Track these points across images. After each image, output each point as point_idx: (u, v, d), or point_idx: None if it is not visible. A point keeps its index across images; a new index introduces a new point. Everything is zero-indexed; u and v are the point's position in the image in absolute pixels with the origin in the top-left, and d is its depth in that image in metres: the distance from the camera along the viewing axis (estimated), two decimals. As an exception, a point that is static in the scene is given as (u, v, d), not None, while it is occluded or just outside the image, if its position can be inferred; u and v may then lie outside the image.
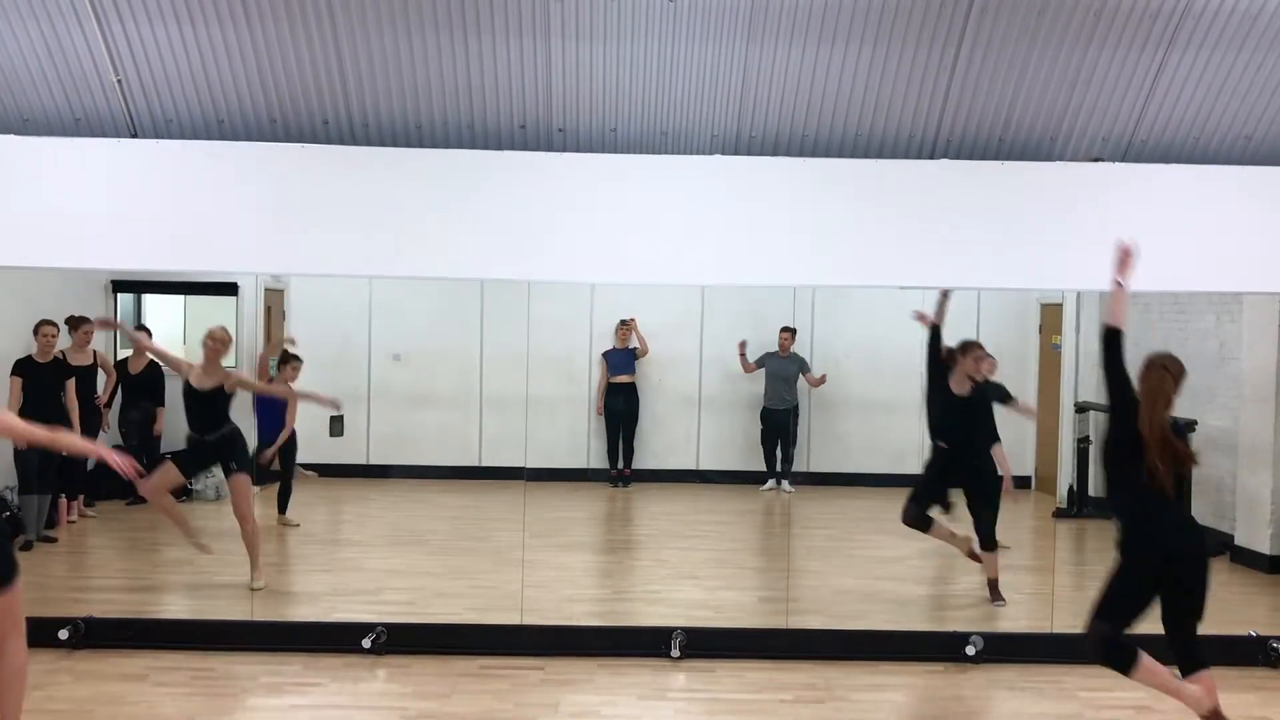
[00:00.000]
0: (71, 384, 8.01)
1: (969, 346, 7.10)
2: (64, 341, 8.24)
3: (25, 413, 7.63)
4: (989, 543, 7.01)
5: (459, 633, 6.28)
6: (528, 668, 5.93)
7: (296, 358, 8.32)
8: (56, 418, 7.62)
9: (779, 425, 10.51)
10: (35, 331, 7.87)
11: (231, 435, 6.98)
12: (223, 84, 6.14)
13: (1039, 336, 10.66)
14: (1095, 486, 9.84)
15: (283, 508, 8.64)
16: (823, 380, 10.40)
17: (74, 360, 8.47)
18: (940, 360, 7.13)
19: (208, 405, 6.86)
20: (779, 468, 10.54)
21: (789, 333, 10.44)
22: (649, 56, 6.06)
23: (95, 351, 8.71)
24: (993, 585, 7.05)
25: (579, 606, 7.06)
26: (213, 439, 6.93)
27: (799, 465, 10.48)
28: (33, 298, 8.27)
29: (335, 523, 9.67)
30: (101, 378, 8.79)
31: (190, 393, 6.85)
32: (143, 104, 6.22)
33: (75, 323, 8.45)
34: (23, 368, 7.82)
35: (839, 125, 6.32)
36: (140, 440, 9.02)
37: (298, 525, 8.66)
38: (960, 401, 7.04)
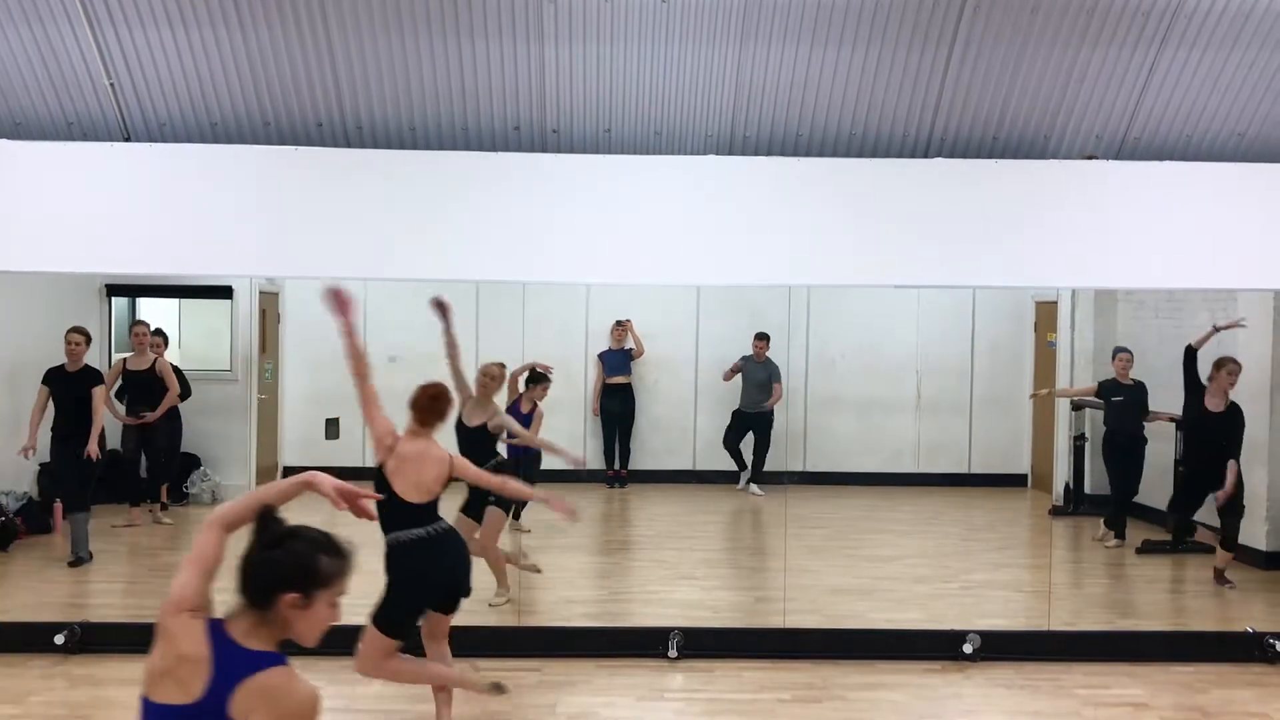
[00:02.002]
0: (100, 391, 7.63)
1: (1224, 362, 7.61)
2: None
3: (55, 422, 7.55)
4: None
5: (456, 635, 6.25)
6: (525, 669, 5.93)
7: (546, 378, 8.11)
8: (86, 429, 7.45)
9: (746, 427, 10.53)
10: (65, 339, 7.59)
11: (498, 467, 6.86)
12: (216, 87, 6.14)
13: (1034, 334, 10.68)
14: (1091, 484, 9.86)
15: (516, 514, 8.55)
16: (776, 399, 10.37)
17: (131, 366, 8.40)
18: (1197, 380, 7.64)
19: (476, 440, 6.75)
20: (749, 468, 10.56)
21: (763, 340, 10.46)
22: (642, 57, 6.06)
23: (157, 359, 8.56)
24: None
25: (576, 608, 7.06)
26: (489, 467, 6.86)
27: (795, 464, 10.48)
28: (26, 303, 8.24)
29: (331, 525, 9.65)
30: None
31: (460, 428, 6.73)
32: (136, 108, 6.21)
33: (133, 324, 8.52)
34: (49, 377, 7.57)
35: (833, 125, 6.33)
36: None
37: (529, 531, 8.61)
38: (1215, 418, 7.55)
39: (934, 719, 5.55)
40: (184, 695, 2.27)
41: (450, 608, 4.98)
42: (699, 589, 7.54)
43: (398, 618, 4.77)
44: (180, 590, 2.37)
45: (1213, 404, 7.54)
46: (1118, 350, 8.80)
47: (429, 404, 4.92)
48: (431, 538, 4.77)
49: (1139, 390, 8.58)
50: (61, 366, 7.53)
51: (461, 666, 5.04)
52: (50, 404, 7.56)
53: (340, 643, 6.07)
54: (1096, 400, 8.87)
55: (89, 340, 7.69)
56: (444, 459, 4.84)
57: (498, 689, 4.98)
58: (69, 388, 7.51)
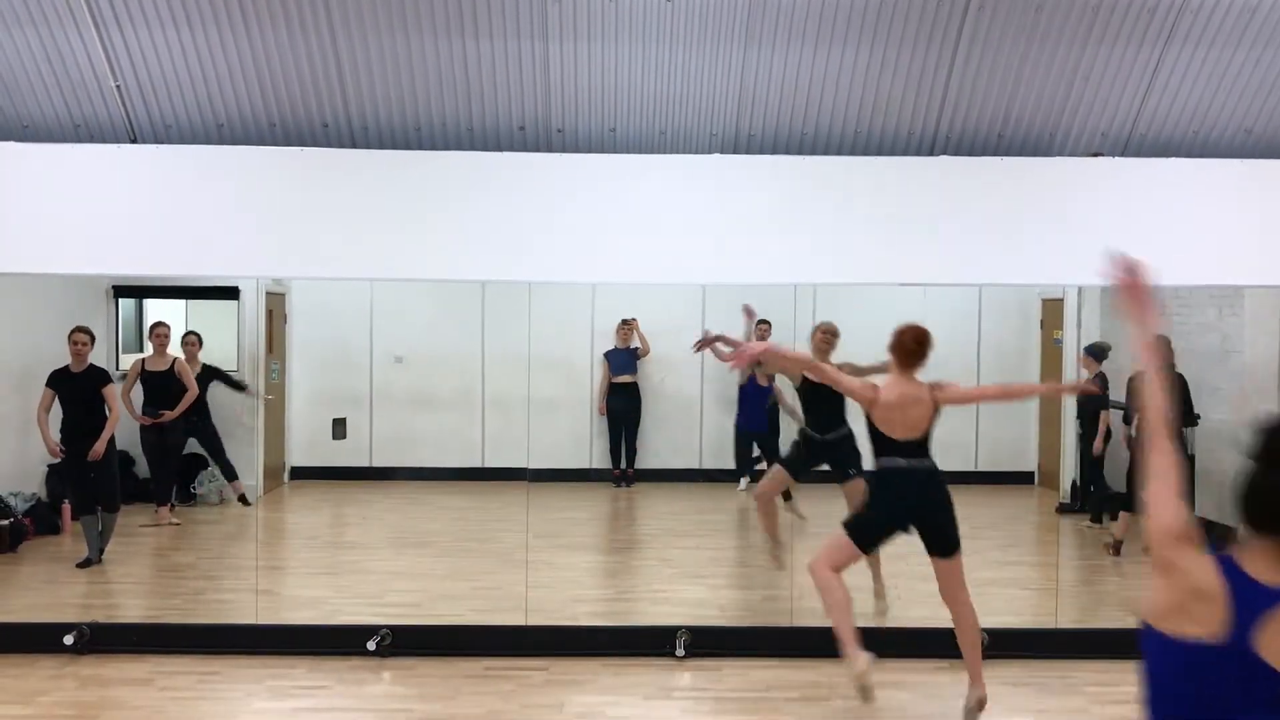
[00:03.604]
0: (113, 391, 7.57)
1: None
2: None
3: (63, 425, 7.49)
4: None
5: (463, 634, 6.29)
6: (532, 668, 5.94)
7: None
8: (95, 429, 7.41)
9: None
10: (68, 339, 7.52)
11: (846, 436, 6.83)
12: (222, 88, 6.15)
13: (1040, 332, 10.65)
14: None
15: (787, 494, 8.77)
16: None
17: (150, 366, 8.42)
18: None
19: (824, 403, 6.75)
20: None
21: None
22: (647, 56, 6.06)
23: (175, 359, 8.54)
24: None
25: (583, 607, 7.07)
26: (830, 439, 6.86)
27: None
28: (33, 304, 8.26)
29: (338, 525, 9.68)
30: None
31: (808, 388, 6.76)
32: (142, 109, 6.23)
33: (153, 326, 8.52)
34: (55, 379, 7.49)
35: (838, 123, 6.32)
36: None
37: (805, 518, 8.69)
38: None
39: (941, 718, 5.55)
40: (1202, 631, 2.17)
41: (937, 546, 5.30)
42: (706, 588, 7.54)
43: (866, 528, 5.35)
44: (1173, 518, 2.24)
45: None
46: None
47: (914, 347, 5.35)
48: (908, 470, 5.26)
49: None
50: (66, 368, 7.49)
51: (865, 658, 5.06)
52: (57, 406, 7.54)
53: (348, 644, 6.10)
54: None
55: (93, 340, 7.65)
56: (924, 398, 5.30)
57: (865, 693, 5.06)
58: (75, 389, 7.46)
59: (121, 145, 6.25)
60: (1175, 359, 7.68)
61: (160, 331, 8.51)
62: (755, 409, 9.01)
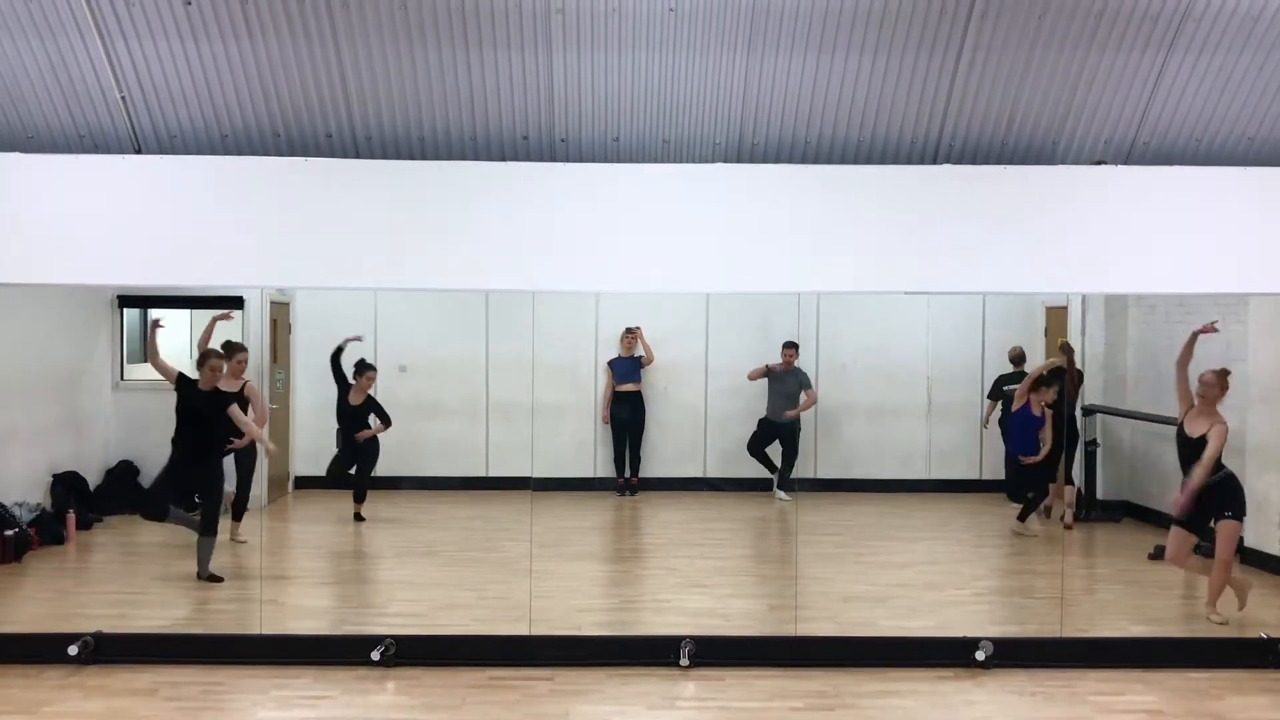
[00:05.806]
0: (235, 410, 7.50)
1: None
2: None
3: (181, 438, 7.44)
4: None
5: (468, 644, 6.29)
6: (537, 678, 5.94)
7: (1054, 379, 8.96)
8: (213, 448, 7.42)
9: (773, 436, 10.52)
10: (200, 364, 7.43)
11: (1228, 476, 6.85)
12: (226, 99, 6.17)
13: (1045, 339, 10.65)
14: (1103, 490, 9.82)
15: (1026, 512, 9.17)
16: (804, 408, 10.43)
17: (224, 388, 8.34)
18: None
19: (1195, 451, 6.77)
20: (776, 474, 10.56)
21: (792, 349, 10.45)
22: (650, 66, 6.08)
23: (246, 382, 8.27)
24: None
25: (587, 616, 7.06)
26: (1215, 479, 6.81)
27: (806, 471, 10.47)
28: (38, 314, 8.29)
29: (343, 535, 9.68)
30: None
31: (1180, 437, 6.87)
32: (147, 120, 6.25)
33: (229, 350, 8.15)
34: (184, 386, 7.36)
35: (841, 131, 6.33)
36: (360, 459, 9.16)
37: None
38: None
39: (947, 726, 5.53)
40: None
41: None
42: (710, 597, 7.54)
43: None
44: None
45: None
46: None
47: None
48: None
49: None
50: (195, 382, 7.39)
51: None
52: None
53: (352, 654, 6.09)
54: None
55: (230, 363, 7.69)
56: None
57: None
58: (202, 406, 7.38)
59: (126, 156, 6.27)
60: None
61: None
62: (1028, 436, 9.15)
